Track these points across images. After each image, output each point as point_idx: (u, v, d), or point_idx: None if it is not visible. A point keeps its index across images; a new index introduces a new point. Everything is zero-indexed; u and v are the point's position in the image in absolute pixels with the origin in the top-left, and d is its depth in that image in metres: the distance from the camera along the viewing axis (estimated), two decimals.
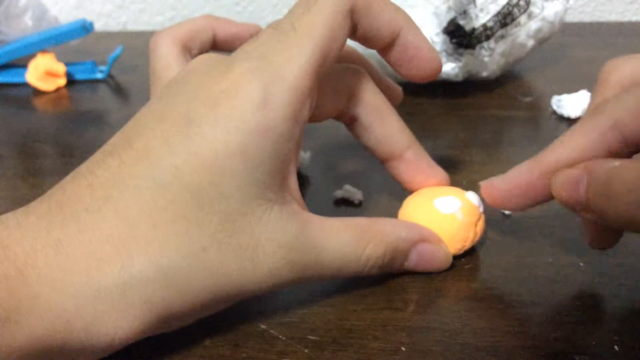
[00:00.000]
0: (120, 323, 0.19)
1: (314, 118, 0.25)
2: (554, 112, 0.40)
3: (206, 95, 0.21)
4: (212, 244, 0.20)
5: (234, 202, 0.20)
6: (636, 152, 0.21)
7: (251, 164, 0.20)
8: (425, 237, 0.24)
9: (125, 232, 0.19)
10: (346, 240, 0.22)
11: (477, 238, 0.25)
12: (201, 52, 0.33)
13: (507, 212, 0.28)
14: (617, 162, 0.19)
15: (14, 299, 0.18)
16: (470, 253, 0.25)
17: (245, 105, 0.20)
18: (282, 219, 0.21)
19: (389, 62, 0.25)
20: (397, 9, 0.24)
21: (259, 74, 0.21)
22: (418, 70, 0.25)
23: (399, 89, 0.30)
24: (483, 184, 0.24)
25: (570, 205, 0.21)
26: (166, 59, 0.30)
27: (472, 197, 0.25)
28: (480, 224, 0.25)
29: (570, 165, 0.21)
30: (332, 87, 0.25)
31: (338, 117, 0.26)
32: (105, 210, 0.20)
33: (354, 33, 0.24)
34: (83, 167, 0.21)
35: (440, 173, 0.27)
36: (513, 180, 0.23)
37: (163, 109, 0.22)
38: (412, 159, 0.26)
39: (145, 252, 0.19)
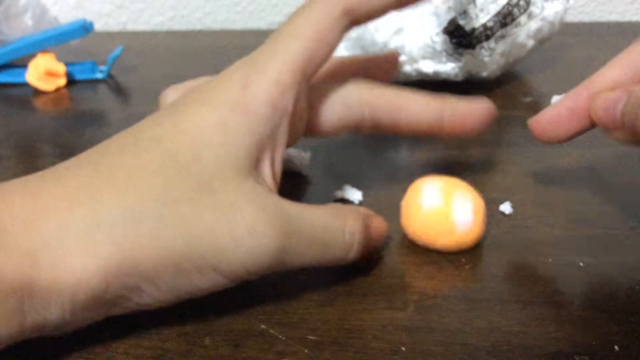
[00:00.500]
0: (86, 262, 0.19)
1: (329, 131, 0.26)
2: None
3: (198, 90, 0.23)
4: (185, 198, 0.20)
5: (211, 168, 0.21)
6: None
7: (228, 138, 0.22)
8: (371, 213, 0.25)
9: (101, 182, 0.20)
10: (326, 213, 0.23)
11: (474, 235, 0.25)
12: None
13: (507, 211, 0.28)
14: None
15: None
16: (470, 253, 0.25)
17: (227, 89, 0.23)
18: (258, 191, 0.21)
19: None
20: None
21: (243, 68, 0.23)
22: None
23: (394, 52, 0.31)
24: (530, 120, 0.26)
25: (605, 122, 0.23)
26: None
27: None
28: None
29: (618, 86, 0.23)
30: (340, 102, 0.26)
31: (358, 129, 0.27)
32: (85, 168, 0.21)
33: (356, 24, 0.25)
34: None
35: (480, 106, 0.27)
36: (563, 104, 0.24)
37: (161, 111, 0.24)
38: (451, 118, 0.26)
39: (117, 197, 0.20)
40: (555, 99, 0.40)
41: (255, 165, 0.22)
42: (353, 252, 0.23)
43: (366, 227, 0.24)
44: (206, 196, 0.20)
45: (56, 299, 0.19)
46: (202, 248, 0.20)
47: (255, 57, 0.24)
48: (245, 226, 0.20)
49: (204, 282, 0.21)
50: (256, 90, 0.22)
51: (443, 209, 0.25)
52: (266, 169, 0.23)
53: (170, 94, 0.32)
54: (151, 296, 0.21)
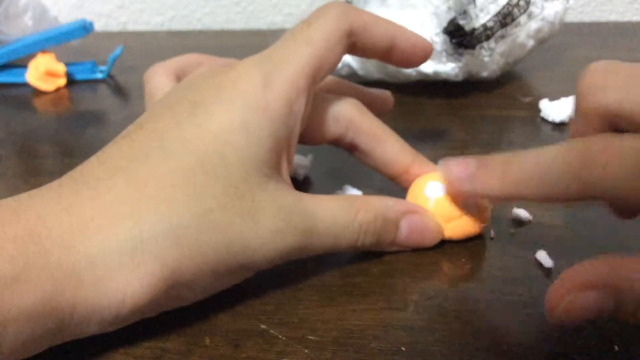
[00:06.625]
0: (131, 279, 0.19)
1: (312, 140, 0.27)
2: None
3: (213, 84, 0.23)
4: (217, 205, 0.21)
5: (236, 170, 0.22)
6: None
7: (251, 139, 0.22)
8: (413, 209, 0.25)
9: (136, 194, 0.20)
10: (338, 208, 0.24)
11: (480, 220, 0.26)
12: None
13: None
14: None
15: (24, 256, 0.18)
16: (470, 253, 0.25)
17: (248, 87, 0.23)
18: (279, 189, 0.23)
19: (391, 64, 0.27)
20: (387, 21, 0.26)
21: (261, 65, 0.24)
22: (418, 60, 0.27)
23: (387, 93, 0.32)
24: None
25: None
26: (161, 86, 0.32)
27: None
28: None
29: None
30: (331, 114, 0.27)
31: (337, 143, 0.28)
32: (116, 178, 0.21)
33: (354, 50, 0.26)
34: (96, 153, 0.22)
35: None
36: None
37: (172, 100, 0.24)
38: (417, 172, 0.27)
39: (155, 211, 0.20)
40: (543, 102, 0.40)
41: (276, 166, 0.23)
42: (361, 241, 0.24)
43: (382, 218, 0.24)
44: (234, 200, 0.21)
45: (98, 317, 0.19)
46: (235, 251, 0.21)
47: (271, 56, 0.24)
48: (269, 227, 0.22)
49: (233, 279, 0.22)
50: (277, 91, 0.23)
51: (449, 198, 0.25)
52: (283, 168, 0.24)
53: (156, 76, 0.32)
54: (185, 300, 0.21)
